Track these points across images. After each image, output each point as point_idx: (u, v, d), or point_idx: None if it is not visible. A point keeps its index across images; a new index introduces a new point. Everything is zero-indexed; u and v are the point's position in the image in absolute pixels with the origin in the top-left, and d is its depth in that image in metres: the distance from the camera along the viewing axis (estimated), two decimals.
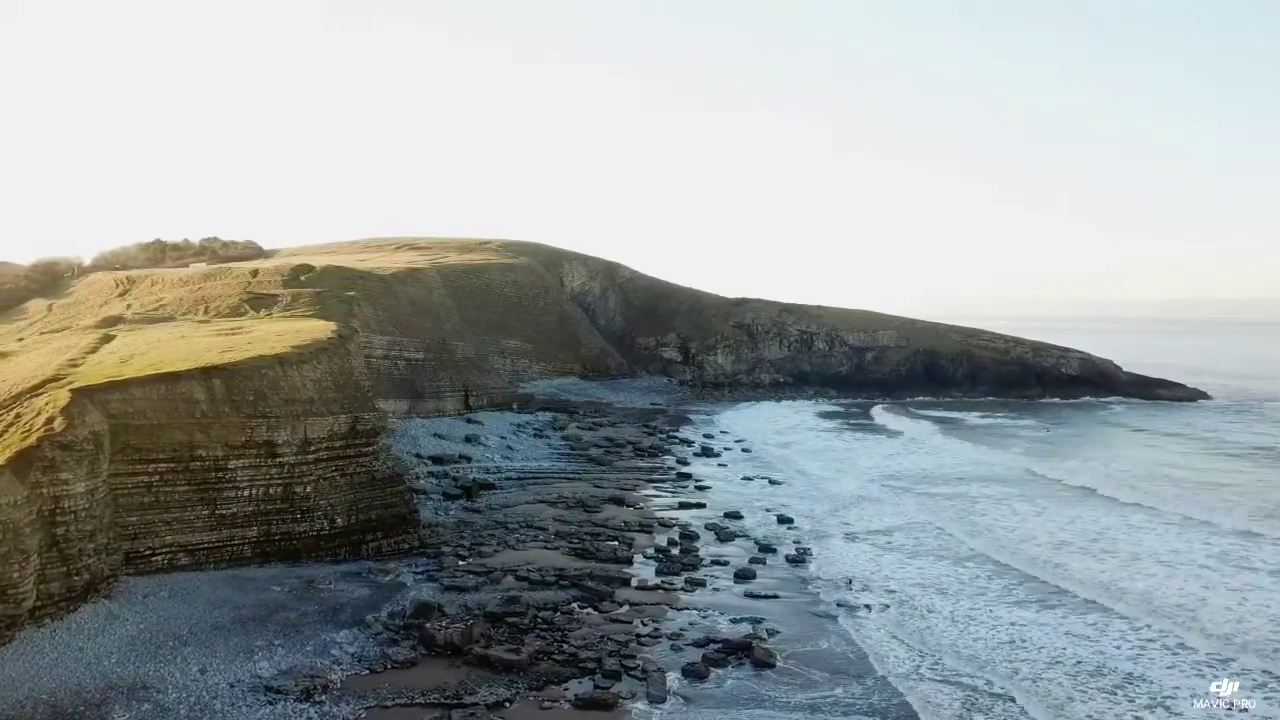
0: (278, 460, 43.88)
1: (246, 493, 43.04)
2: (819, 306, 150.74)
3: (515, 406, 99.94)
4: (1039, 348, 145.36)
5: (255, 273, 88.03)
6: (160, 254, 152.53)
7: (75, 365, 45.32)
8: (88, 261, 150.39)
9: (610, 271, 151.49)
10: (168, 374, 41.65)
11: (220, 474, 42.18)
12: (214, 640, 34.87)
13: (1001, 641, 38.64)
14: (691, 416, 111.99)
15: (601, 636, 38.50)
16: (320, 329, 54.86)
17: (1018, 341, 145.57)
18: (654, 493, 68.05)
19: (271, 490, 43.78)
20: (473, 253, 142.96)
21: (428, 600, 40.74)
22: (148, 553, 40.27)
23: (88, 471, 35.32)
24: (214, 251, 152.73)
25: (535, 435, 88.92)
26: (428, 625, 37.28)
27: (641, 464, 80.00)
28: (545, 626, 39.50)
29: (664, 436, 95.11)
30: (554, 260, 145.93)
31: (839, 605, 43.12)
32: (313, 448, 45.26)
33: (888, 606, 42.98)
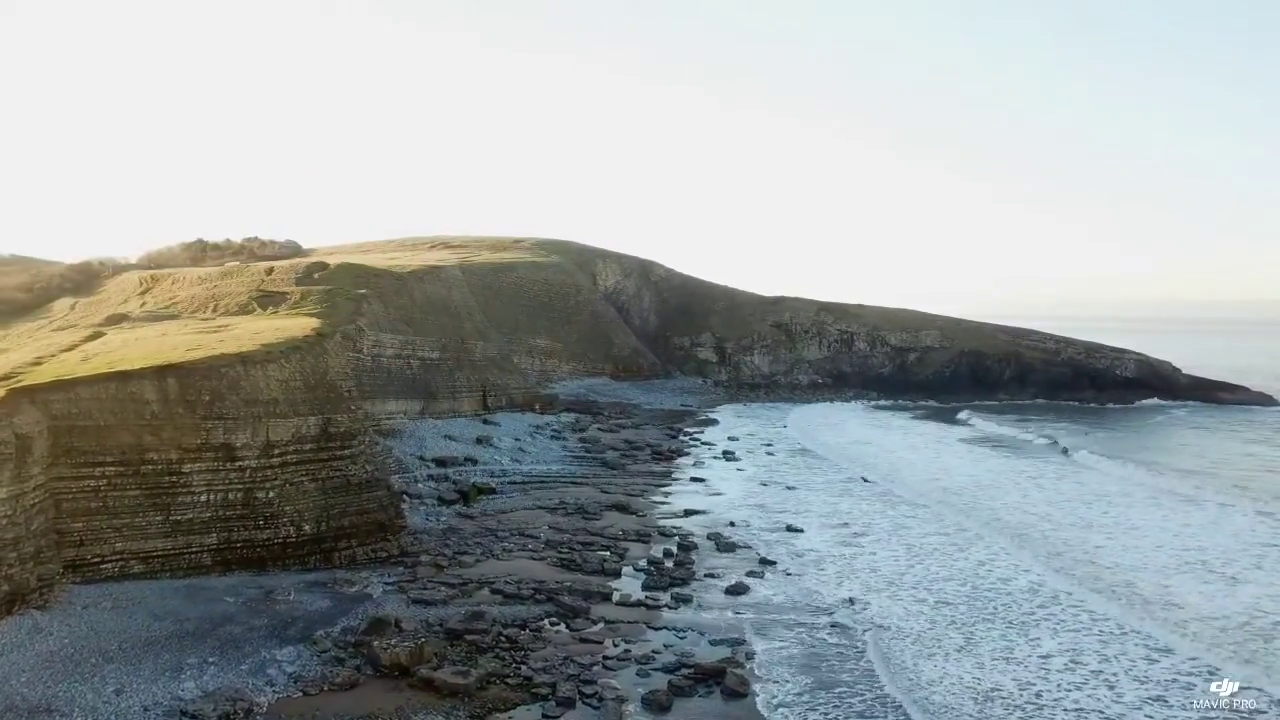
0: (237, 464, 41.75)
1: (203, 498, 40.94)
2: (859, 305, 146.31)
3: (538, 407, 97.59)
4: (1092, 349, 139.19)
5: (270, 271, 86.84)
6: (201, 253, 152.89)
7: (38, 363, 43.83)
8: (134, 260, 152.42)
9: (644, 270, 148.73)
10: (118, 373, 39.72)
11: (174, 478, 40.15)
12: (143, 657, 32.70)
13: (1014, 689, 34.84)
14: (720, 418, 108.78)
15: (565, 658, 35.58)
16: (300, 327, 52.85)
17: (1069, 342, 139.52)
18: (662, 499, 65.02)
19: (231, 496, 41.64)
20: (505, 251, 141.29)
21: (383, 615, 38.13)
22: (96, 560, 38.40)
23: (12, 476, 33.34)
24: (251, 251, 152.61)
25: (552, 437, 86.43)
26: (375, 643, 34.73)
27: (656, 468, 77.06)
28: (507, 645, 36.68)
29: (686, 439, 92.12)
30: (587, 259, 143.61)
31: (832, 628, 39.65)
32: (276, 451, 43.05)
33: (885, 628, 39.41)
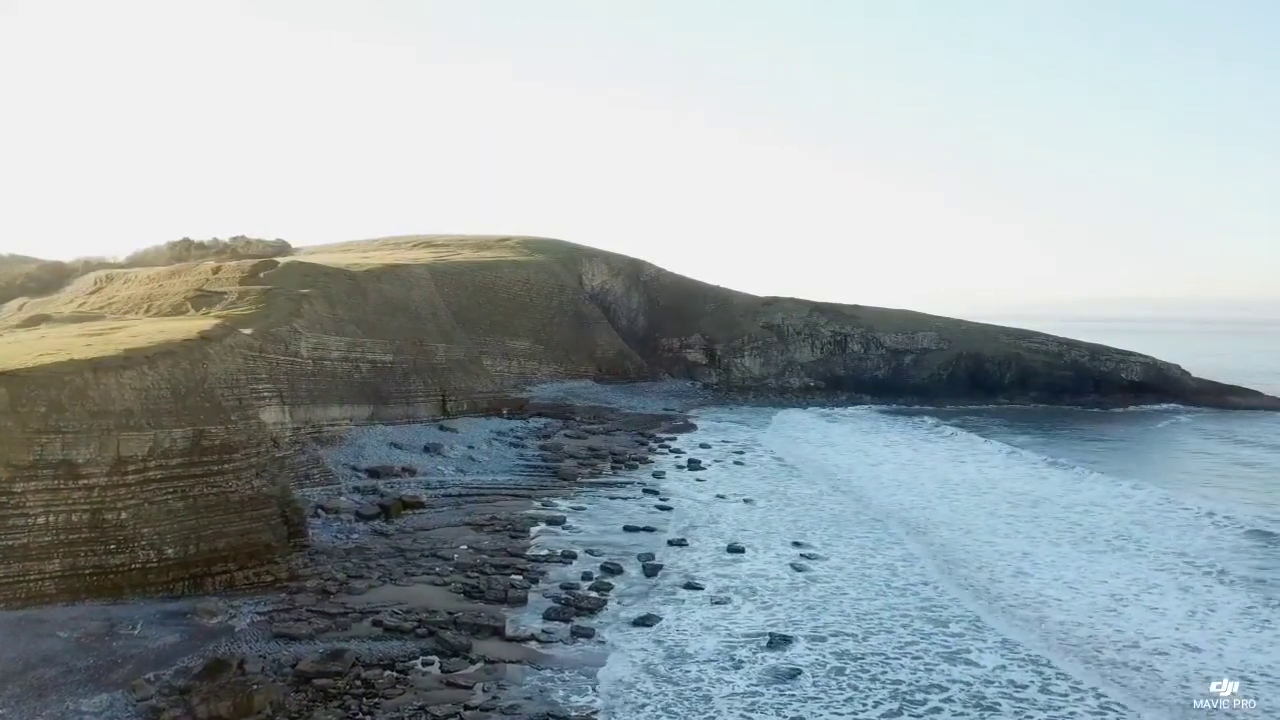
0: (81, 483, 37.60)
1: (41, 520, 36.78)
2: (854, 306, 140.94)
3: (505, 412, 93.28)
4: (1097, 351, 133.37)
5: (216, 270, 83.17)
6: (185, 252, 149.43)
7: None
8: (122, 259, 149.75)
9: (633, 269, 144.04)
10: None
11: (3, 499, 36.07)
12: None
13: None
14: (699, 424, 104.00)
15: (420, 707, 31.11)
16: (186, 329, 48.75)
17: (1073, 344, 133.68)
18: (606, 513, 60.43)
19: (75, 518, 37.41)
20: (488, 250, 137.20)
21: (225, 655, 33.91)
22: None
23: None
24: (235, 250, 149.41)
25: (511, 445, 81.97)
26: (194, 691, 30.49)
27: (612, 478, 72.45)
28: (360, 691, 32.26)
29: (655, 446, 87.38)
30: (573, 258, 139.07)
31: (735, 670, 35.01)
32: (132, 468, 38.84)
33: (796, 673, 34.73)
